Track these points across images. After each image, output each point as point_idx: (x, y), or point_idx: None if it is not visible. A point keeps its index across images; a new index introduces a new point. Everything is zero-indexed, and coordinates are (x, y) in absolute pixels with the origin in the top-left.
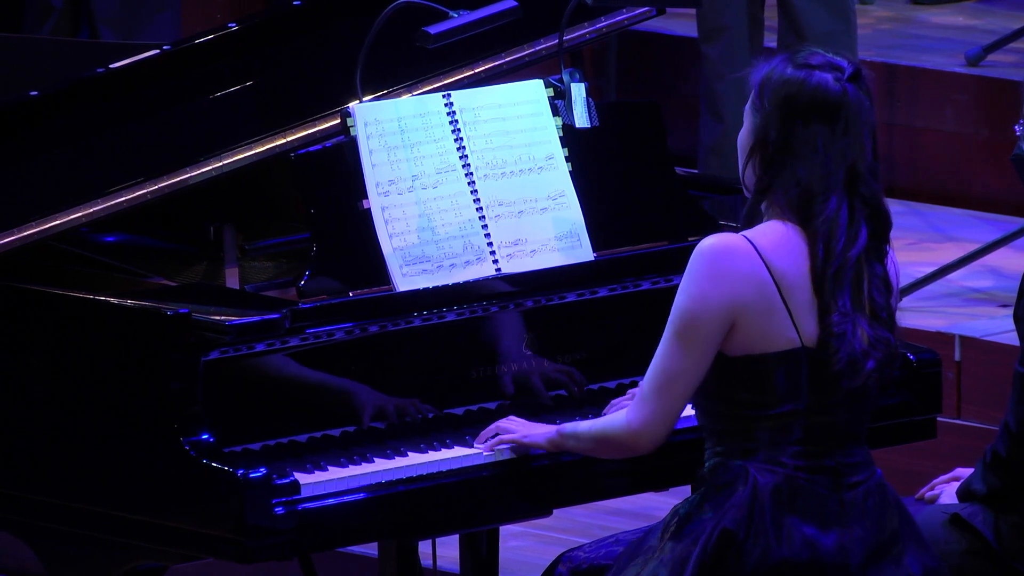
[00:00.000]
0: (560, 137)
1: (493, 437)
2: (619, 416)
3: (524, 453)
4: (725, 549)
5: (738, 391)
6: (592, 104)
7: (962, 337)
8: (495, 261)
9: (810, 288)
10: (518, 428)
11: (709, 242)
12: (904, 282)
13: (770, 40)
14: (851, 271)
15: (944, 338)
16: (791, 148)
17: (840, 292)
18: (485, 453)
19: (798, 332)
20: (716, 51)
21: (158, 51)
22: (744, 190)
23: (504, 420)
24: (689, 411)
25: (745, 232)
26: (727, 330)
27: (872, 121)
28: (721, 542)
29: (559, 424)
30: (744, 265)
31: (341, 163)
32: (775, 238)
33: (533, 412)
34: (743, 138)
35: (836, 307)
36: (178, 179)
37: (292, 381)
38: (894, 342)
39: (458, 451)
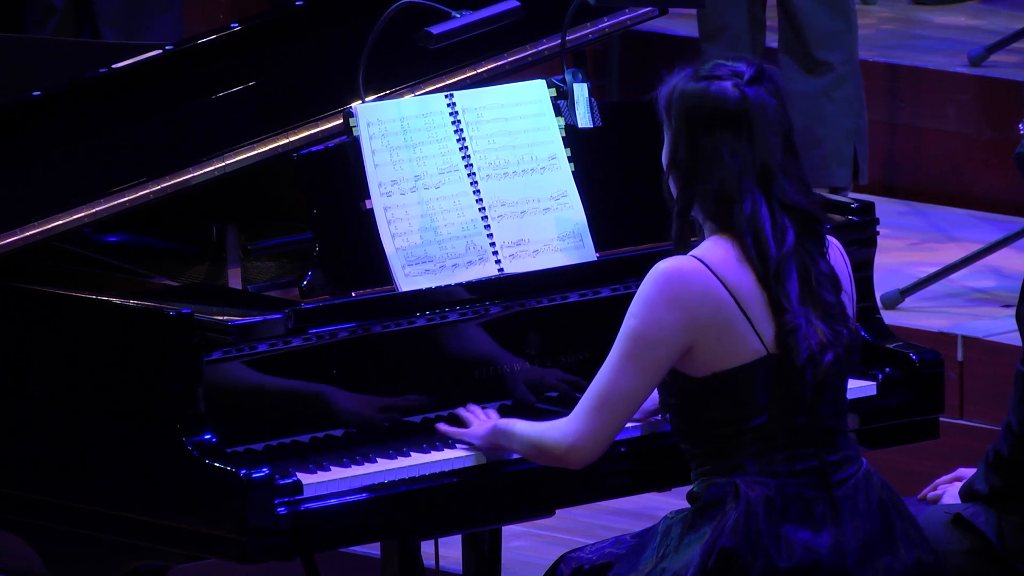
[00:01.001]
0: (562, 137)
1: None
2: (557, 426)
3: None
4: (726, 568)
5: (713, 411)
6: (594, 104)
7: (965, 337)
8: (498, 261)
9: (763, 296)
10: (471, 419)
11: (662, 267)
12: (906, 282)
13: (771, 40)
14: (792, 267)
15: (947, 338)
16: (701, 160)
17: (787, 289)
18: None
19: (762, 341)
20: (718, 51)
21: (160, 51)
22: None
23: (463, 409)
24: None
25: (694, 252)
26: (683, 353)
27: (783, 120)
28: (721, 560)
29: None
30: (699, 287)
31: (343, 163)
32: (723, 253)
33: (535, 413)
34: (663, 158)
35: (787, 306)
36: (180, 179)
37: (294, 381)
38: (847, 335)
39: (461, 451)
